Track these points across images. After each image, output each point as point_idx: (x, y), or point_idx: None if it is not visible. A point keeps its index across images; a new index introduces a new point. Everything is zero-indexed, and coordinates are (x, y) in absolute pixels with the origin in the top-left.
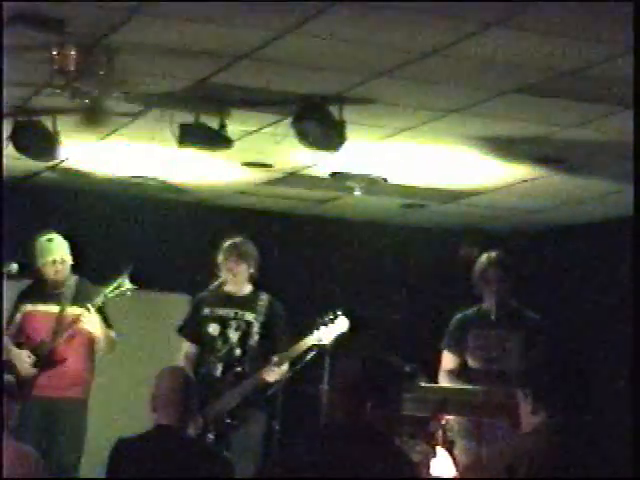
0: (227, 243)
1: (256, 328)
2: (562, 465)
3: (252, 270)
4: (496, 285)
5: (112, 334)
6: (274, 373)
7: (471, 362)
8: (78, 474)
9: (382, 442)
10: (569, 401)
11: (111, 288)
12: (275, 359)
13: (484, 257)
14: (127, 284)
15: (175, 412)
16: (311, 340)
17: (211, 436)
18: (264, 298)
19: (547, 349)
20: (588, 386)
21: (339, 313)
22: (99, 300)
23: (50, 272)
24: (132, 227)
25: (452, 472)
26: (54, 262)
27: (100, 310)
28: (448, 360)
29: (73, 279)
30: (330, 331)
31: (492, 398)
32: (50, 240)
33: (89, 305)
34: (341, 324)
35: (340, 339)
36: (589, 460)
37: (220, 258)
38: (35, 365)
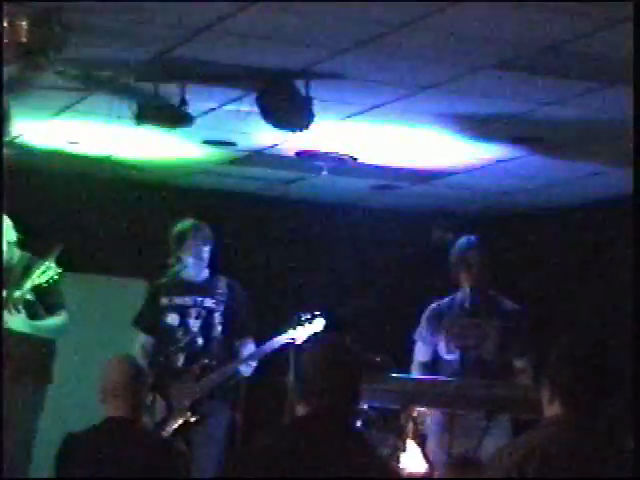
0: (188, 223)
1: (218, 317)
2: (576, 462)
3: (210, 253)
4: (477, 269)
5: (52, 322)
6: (250, 367)
7: (445, 352)
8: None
9: (351, 436)
10: (587, 395)
11: (37, 274)
12: (251, 352)
13: (463, 240)
14: (53, 269)
15: (125, 403)
16: (285, 338)
17: (169, 429)
18: (223, 283)
19: (528, 339)
20: (609, 380)
21: (317, 314)
22: (21, 293)
23: None
24: (86, 207)
25: (423, 467)
26: None
27: (34, 300)
28: (421, 352)
29: (22, 258)
30: (305, 330)
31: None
32: None
33: (10, 307)
34: (317, 325)
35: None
36: (605, 458)
37: (180, 239)
38: None
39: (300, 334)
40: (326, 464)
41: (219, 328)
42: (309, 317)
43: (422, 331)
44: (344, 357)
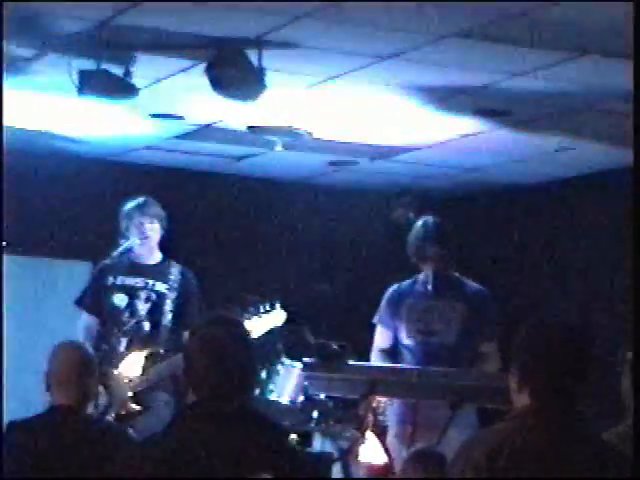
0: (135, 201)
1: (168, 304)
2: (547, 455)
3: (161, 234)
4: (433, 259)
5: None
6: None
7: (406, 337)
8: None
9: (255, 422)
10: (558, 383)
11: None
12: None
13: (419, 228)
14: None
15: (72, 391)
16: None
17: (110, 418)
18: (175, 268)
19: (495, 322)
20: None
21: (277, 305)
22: None
23: None
24: (26, 184)
25: (383, 459)
26: None
27: None
28: (382, 337)
29: None
30: (263, 323)
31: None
32: None
33: None
34: (276, 317)
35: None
36: (577, 450)
37: (127, 218)
38: None
39: (257, 327)
40: (228, 455)
41: (169, 316)
42: (267, 308)
43: (382, 314)
44: (219, 342)
